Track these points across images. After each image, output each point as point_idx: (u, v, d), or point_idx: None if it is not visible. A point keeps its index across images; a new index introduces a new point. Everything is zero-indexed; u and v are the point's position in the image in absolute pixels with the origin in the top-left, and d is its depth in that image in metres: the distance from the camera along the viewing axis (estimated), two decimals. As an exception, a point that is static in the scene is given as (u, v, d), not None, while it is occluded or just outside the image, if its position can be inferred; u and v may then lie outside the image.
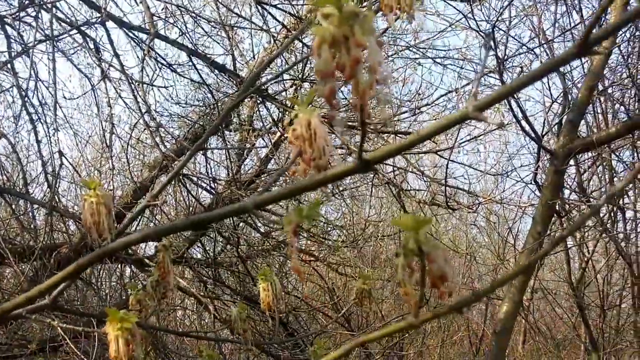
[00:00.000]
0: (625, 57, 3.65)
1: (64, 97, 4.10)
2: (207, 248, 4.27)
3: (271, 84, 3.97)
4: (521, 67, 3.86)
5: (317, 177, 0.75)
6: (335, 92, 0.71)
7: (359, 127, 0.75)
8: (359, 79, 0.68)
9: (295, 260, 0.75)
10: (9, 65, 3.58)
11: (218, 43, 4.11)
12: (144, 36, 3.51)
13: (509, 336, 3.01)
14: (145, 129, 3.21)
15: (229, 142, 4.34)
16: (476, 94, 0.76)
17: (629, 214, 3.97)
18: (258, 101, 4.38)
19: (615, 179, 3.90)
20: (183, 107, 4.31)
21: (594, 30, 0.71)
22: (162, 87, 3.26)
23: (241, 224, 4.23)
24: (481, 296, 0.70)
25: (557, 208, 3.24)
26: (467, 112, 0.75)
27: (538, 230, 2.80)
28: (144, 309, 1.44)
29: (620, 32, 3.49)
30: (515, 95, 3.43)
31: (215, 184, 3.78)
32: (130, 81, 2.79)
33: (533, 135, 3.13)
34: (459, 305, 0.72)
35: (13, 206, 3.65)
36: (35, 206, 3.72)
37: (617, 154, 4.02)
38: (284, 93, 4.12)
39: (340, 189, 4.84)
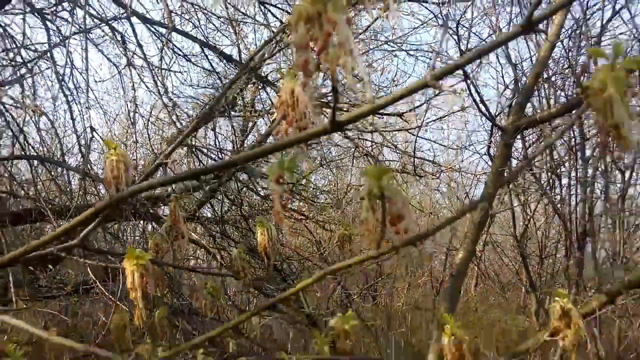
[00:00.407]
0: (567, 51, 3.62)
1: (95, 81, 4.02)
2: (216, 208, 4.28)
3: (271, 72, 3.92)
4: (480, 60, 3.83)
5: (297, 136, 0.74)
6: (309, 62, 0.70)
7: (333, 93, 0.73)
8: (329, 51, 0.67)
9: (277, 206, 0.75)
10: (48, 54, 3.50)
11: (226, 37, 4.04)
12: (163, 30, 3.45)
13: (463, 279, 3.06)
14: (163, 108, 3.16)
15: (234, 121, 4.29)
16: (434, 67, 0.75)
17: (565, 181, 4.01)
18: (259, 87, 4.33)
19: (555, 152, 3.93)
20: (195, 89, 4.25)
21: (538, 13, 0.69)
22: (177, 72, 3.21)
23: (244, 189, 4.23)
24: (432, 233, 0.70)
25: (506, 175, 3.26)
26: (426, 81, 0.74)
27: (490, 192, 2.81)
28: (160, 251, 1.44)
29: (563, 30, 3.46)
30: (474, 82, 3.41)
31: (222, 155, 3.77)
32: (150, 67, 2.74)
33: (488, 115, 3.11)
34: (414, 240, 0.73)
35: (52, 173, 3.62)
36: (71, 173, 3.69)
37: (558, 132, 4.04)
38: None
39: (328, 160, 4.86)
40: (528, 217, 4.08)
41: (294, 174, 0.82)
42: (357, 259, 0.73)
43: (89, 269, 2.96)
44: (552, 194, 3.85)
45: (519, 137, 3.19)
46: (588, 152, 3.97)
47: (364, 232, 0.72)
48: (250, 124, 4.61)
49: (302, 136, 0.73)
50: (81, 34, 3.23)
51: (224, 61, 3.90)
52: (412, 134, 4.15)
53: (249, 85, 4.31)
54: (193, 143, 3.59)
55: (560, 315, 1.28)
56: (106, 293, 2.78)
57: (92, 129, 2.95)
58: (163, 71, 2.86)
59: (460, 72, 3.56)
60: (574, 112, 2.70)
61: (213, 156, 3.95)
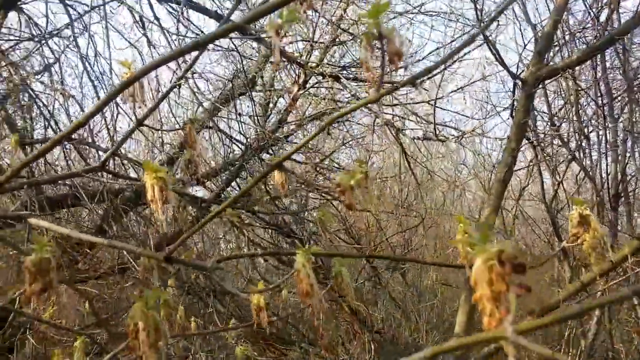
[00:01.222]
0: (589, 4, 3.51)
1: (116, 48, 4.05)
2: (242, 187, 4.32)
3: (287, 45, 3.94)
4: (498, 21, 3.75)
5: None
6: None
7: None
8: None
9: (277, 57, 0.76)
10: (72, 40, 3.64)
11: (242, 11, 4.08)
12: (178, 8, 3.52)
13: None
14: (184, 82, 3.22)
15: (254, 100, 4.34)
16: None
17: (594, 142, 3.88)
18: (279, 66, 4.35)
19: (581, 112, 3.80)
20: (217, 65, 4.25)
21: None
22: (193, 38, 3.26)
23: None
24: (432, 69, 0.70)
25: (528, 133, 3.18)
26: None
27: (512, 146, 2.75)
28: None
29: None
30: (492, 42, 3.35)
31: (244, 124, 3.80)
32: (166, 34, 2.80)
33: (504, 65, 3.03)
34: (413, 79, 0.72)
35: (84, 156, 3.74)
36: (102, 155, 3.79)
37: (586, 91, 3.92)
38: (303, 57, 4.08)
39: (351, 138, 4.85)
40: (557, 182, 3.96)
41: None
42: (360, 102, 0.73)
43: (124, 251, 3.05)
44: (582, 156, 3.73)
45: (540, 87, 3.10)
46: (616, 111, 3.83)
47: (365, 73, 0.72)
48: (271, 103, 4.66)
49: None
50: (101, 15, 3.33)
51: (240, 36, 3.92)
52: (431, 105, 4.10)
53: (267, 66, 4.36)
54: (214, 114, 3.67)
55: (578, 222, 1.27)
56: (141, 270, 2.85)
57: (117, 105, 3.05)
58: (179, 38, 2.92)
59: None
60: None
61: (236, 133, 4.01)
